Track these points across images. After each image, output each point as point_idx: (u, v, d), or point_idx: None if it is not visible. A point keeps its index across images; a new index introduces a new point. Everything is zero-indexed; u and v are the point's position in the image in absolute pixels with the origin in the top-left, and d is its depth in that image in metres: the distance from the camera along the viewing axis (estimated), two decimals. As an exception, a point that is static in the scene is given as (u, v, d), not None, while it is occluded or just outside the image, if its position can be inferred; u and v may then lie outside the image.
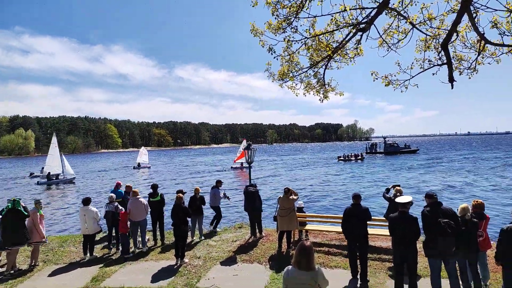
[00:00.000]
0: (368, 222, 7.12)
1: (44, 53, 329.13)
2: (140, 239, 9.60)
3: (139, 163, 58.95)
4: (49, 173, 37.29)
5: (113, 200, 9.52)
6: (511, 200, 20.55)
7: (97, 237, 9.97)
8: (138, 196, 9.42)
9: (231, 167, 51.14)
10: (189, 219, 9.13)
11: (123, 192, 11.22)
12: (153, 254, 9.10)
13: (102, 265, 8.43)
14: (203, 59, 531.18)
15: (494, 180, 29.49)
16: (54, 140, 37.82)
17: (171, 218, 8.45)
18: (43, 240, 8.62)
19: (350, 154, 63.56)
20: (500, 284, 5.70)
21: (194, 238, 10.26)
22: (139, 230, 9.47)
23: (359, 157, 61.10)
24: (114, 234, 9.67)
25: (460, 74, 6.07)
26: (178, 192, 9.17)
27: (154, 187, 10.22)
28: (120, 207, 9.42)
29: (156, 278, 7.46)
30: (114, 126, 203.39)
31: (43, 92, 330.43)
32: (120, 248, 9.27)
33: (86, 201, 9.07)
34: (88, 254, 9.01)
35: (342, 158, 61.82)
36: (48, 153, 38.04)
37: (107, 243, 9.84)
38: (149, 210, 9.79)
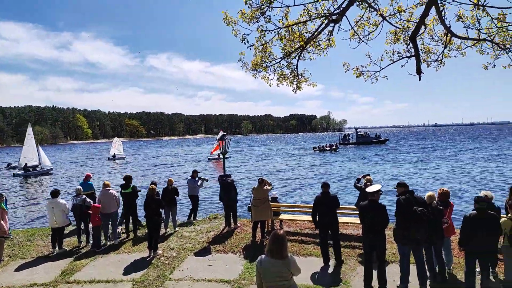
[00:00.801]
0: (339, 211, 7.29)
1: (8, 39, 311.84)
2: (111, 231, 9.40)
3: (114, 154, 57.41)
4: (25, 164, 35.94)
5: (80, 193, 9.24)
6: (466, 189, 21.61)
7: (66, 230, 9.68)
8: (108, 188, 9.19)
9: (208, 158, 50.87)
10: (162, 211, 9.03)
11: (92, 184, 10.93)
12: (125, 247, 8.94)
13: (72, 259, 8.20)
14: (176, 49, 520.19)
15: (456, 169, 30.89)
16: (29, 130, 36.47)
17: (143, 210, 8.32)
18: (6, 235, 8.28)
19: (325, 145, 64.67)
20: (463, 268, 6.01)
21: (168, 229, 10.16)
22: (110, 222, 9.27)
23: (334, 148, 62.31)
24: (83, 228, 9.41)
25: (428, 67, 6.27)
26: (151, 183, 9.03)
27: (127, 178, 10.00)
28: (88, 200, 9.16)
29: (128, 270, 7.34)
30: (83, 116, 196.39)
31: (9, 80, 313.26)
32: (91, 241, 9.06)
33: (55, 193, 8.77)
34: (57, 248, 8.73)
35: (317, 149, 63.02)
36: (23, 144, 36.71)
37: (76, 236, 9.57)
38: (121, 202, 9.61)
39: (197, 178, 11.47)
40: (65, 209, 8.72)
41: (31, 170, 36.34)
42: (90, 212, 8.97)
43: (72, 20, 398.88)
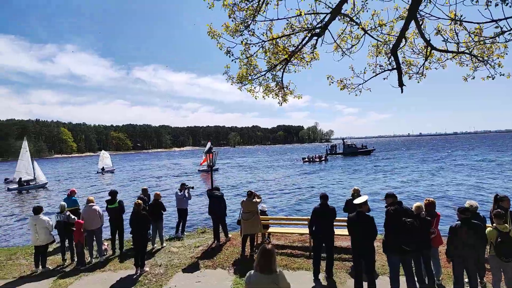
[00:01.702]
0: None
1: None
2: (96, 248, 9.17)
3: (103, 167, 56.33)
4: (20, 178, 35.57)
5: (65, 209, 9.02)
6: (448, 199, 21.95)
7: (50, 248, 9.40)
8: (92, 204, 9.00)
9: (198, 170, 50.51)
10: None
11: (77, 200, 10.69)
12: (111, 264, 8.72)
13: (55, 278, 7.94)
14: (162, 60, 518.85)
15: (438, 179, 31.37)
16: (25, 144, 36.34)
17: (129, 226, 8.15)
18: None
19: (314, 156, 65.04)
20: (452, 279, 6.03)
21: (155, 245, 9.97)
22: (94, 239, 9.05)
23: (323, 159, 62.72)
24: (67, 245, 9.16)
25: (409, 79, 6.40)
26: (138, 198, 8.89)
27: (112, 193, 9.81)
28: (73, 216, 8.94)
29: (114, 289, 7.15)
30: (68, 129, 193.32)
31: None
32: (76, 259, 8.83)
33: (37, 210, 8.50)
34: (40, 267, 8.46)
35: (306, 160, 63.23)
36: (18, 158, 36.69)
37: (60, 254, 9.29)
38: (106, 218, 9.43)
39: (184, 191, 11.34)
40: (48, 226, 8.48)
41: (25, 184, 36.04)
42: (74, 229, 8.76)
43: (56, 32, 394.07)
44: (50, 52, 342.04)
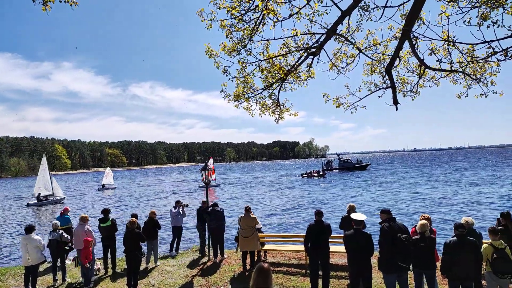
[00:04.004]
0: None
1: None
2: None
3: (103, 184, 56.07)
4: (39, 194, 36.19)
5: (57, 228, 8.86)
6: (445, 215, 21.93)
7: (41, 268, 9.17)
8: (82, 223, 8.84)
9: (199, 186, 50.30)
10: (143, 245, 8.72)
11: (69, 218, 10.53)
12: (103, 284, 8.53)
13: (45, 299, 7.75)
14: (159, 77, 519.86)
15: (432, 194, 31.40)
16: (44, 161, 37.40)
17: (123, 244, 8.00)
18: None
19: (312, 171, 65.05)
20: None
21: (149, 264, 9.79)
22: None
23: (321, 174, 62.78)
24: (59, 265, 8.95)
25: (404, 96, 6.49)
26: (131, 216, 8.77)
27: (105, 211, 9.68)
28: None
29: (106, 310, 6.97)
30: (62, 146, 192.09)
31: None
32: (67, 279, 8.68)
33: (29, 229, 8.31)
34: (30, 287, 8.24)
35: (305, 175, 63.13)
36: (37, 174, 37.82)
37: (51, 274, 9.08)
38: (98, 236, 9.27)
39: (178, 208, 11.23)
40: (40, 245, 8.28)
41: (44, 200, 36.59)
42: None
43: (53, 50, 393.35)
44: (46, 69, 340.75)
